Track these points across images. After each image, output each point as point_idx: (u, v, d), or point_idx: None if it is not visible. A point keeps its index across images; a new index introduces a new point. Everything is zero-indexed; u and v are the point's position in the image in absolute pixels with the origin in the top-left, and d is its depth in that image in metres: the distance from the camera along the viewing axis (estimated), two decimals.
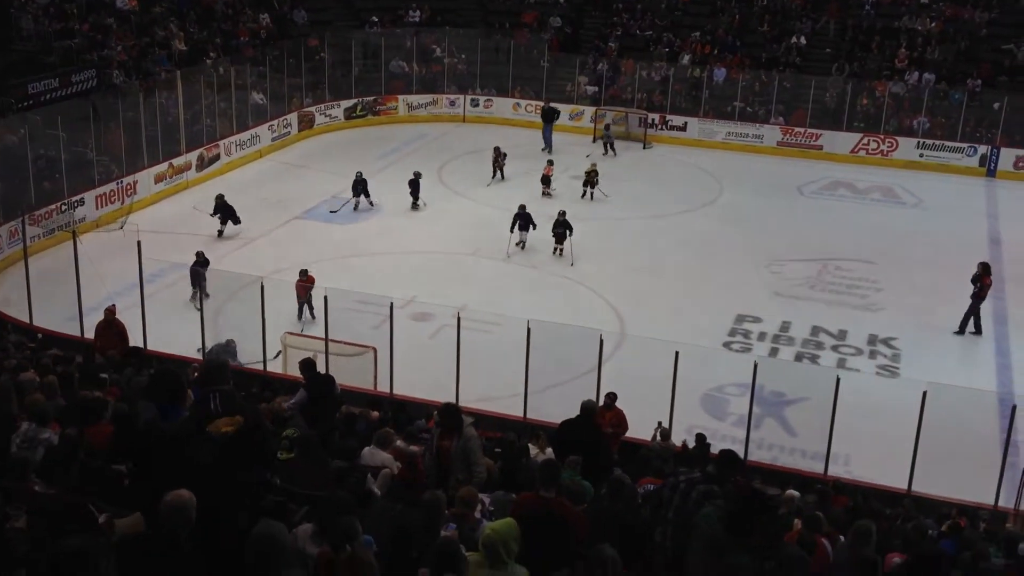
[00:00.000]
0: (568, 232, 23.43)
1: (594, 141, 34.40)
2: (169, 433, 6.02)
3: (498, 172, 29.34)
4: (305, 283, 19.37)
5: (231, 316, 18.38)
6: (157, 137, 27.51)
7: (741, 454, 15.01)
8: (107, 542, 4.43)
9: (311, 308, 19.18)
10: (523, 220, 23.88)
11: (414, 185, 26.79)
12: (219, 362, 7.81)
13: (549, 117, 33.28)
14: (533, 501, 7.27)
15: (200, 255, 20.31)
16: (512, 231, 23.81)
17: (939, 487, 13.85)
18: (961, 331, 20.50)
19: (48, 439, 8.15)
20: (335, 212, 26.16)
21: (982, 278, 20.45)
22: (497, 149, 29.51)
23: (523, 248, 23.85)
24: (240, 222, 24.39)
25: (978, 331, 20.53)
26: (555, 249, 23.65)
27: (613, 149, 32.47)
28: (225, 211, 24.19)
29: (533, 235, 23.90)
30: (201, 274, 19.56)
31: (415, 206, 26.77)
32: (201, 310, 17.84)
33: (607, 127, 33.01)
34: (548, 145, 32.76)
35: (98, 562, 4.12)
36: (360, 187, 26.26)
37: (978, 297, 20.44)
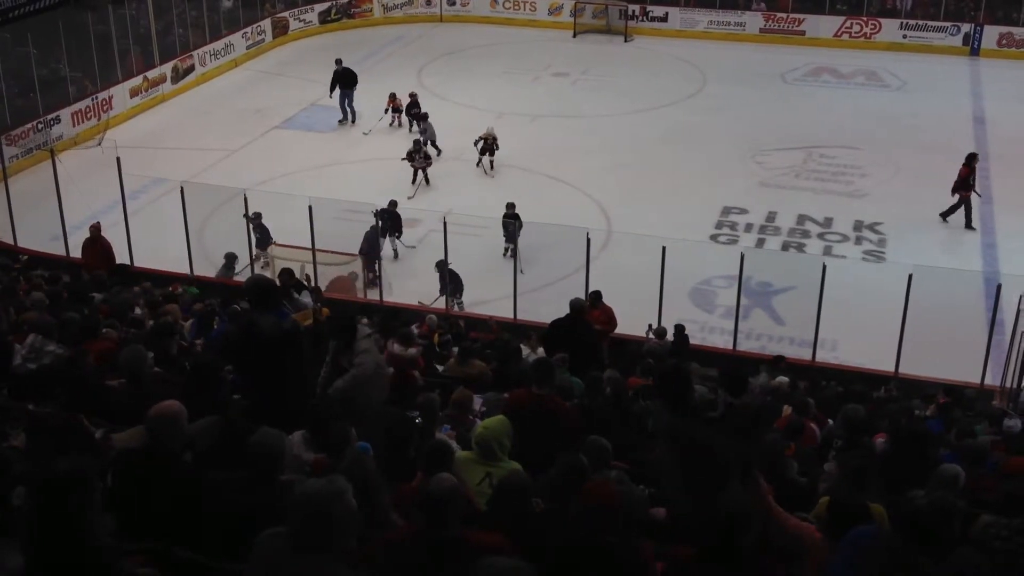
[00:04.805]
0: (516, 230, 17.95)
1: (574, 36, 33.97)
2: (290, 331, 7.08)
3: (419, 175, 21.73)
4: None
5: (214, 231, 18.26)
6: (129, 50, 27.01)
7: (730, 345, 15.28)
8: (96, 462, 4.47)
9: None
10: (394, 222, 18.60)
11: (413, 109, 24.47)
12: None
13: (350, 82, 25.78)
14: (526, 397, 7.36)
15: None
16: (385, 237, 18.33)
17: (926, 368, 14.05)
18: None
19: (53, 351, 8.19)
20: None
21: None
22: (414, 147, 21.92)
23: (400, 252, 18.73)
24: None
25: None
26: (506, 250, 18.36)
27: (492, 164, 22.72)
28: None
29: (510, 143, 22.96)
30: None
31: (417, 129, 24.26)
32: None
33: (486, 140, 22.58)
34: (348, 115, 25.75)
35: (89, 483, 4.15)
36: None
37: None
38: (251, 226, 17.49)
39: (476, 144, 22.42)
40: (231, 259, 17.34)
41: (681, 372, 7.16)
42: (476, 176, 22.23)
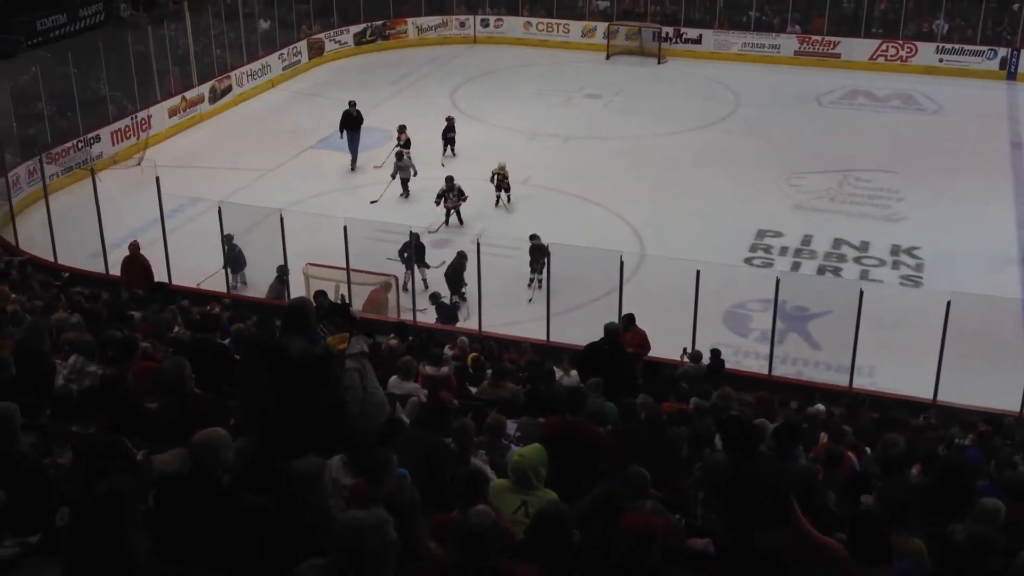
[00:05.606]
0: (545, 258, 17.26)
1: (607, 58, 34.05)
2: (322, 357, 6.88)
3: (453, 213, 21.06)
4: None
5: (250, 249, 18.40)
6: (168, 70, 27.39)
7: (764, 370, 15.18)
8: (136, 483, 4.51)
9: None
10: (418, 252, 18.10)
11: (448, 133, 24.57)
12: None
13: (356, 124, 24.70)
14: (560, 425, 7.35)
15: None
16: (413, 268, 17.91)
17: (964, 396, 13.86)
18: None
19: (95, 372, 8.26)
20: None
21: None
22: (450, 180, 20.83)
23: (428, 282, 18.22)
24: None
25: None
26: (531, 280, 18.17)
27: (505, 199, 22.08)
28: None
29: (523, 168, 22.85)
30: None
31: (450, 153, 24.55)
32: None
33: (498, 175, 22.01)
34: (355, 158, 24.65)
35: (130, 504, 4.19)
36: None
37: None
38: (224, 248, 17.58)
39: (492, 180, 21.88)
40: (282, 271, 17.38)
41: (746, 426, 7.14)
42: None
